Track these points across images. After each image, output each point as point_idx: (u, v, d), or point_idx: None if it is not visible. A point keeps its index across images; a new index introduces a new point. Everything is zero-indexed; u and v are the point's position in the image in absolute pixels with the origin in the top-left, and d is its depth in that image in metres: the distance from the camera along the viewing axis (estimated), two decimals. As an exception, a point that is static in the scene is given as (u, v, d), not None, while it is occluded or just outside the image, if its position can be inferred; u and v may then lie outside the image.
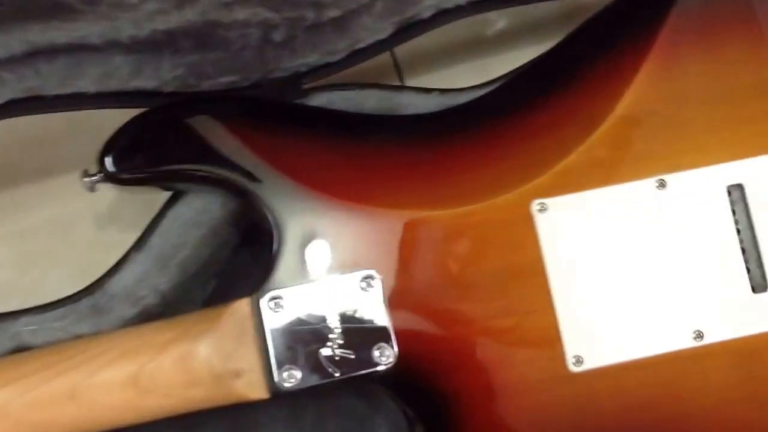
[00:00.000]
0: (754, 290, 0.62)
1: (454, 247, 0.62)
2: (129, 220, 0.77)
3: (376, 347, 0.61)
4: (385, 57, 0.83)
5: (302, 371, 0.60)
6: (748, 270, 0.62)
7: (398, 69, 0.84)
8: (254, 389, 0.61)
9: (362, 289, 0.61)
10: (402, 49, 0.83)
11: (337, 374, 0.61)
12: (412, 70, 0.85)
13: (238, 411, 0.69)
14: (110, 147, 0.66)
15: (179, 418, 0.65)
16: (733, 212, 0.63)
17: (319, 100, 0.73)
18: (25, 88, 0.68)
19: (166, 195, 0.70)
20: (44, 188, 0.82)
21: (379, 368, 0.60)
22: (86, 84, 0.69)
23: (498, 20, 0.82)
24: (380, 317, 0.61)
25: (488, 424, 0.62)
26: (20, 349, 0.66)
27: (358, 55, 0.73)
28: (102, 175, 0.66)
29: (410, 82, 0.84)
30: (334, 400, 0.73)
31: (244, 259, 0.73)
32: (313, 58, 0.72)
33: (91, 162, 0.67)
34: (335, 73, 0.74)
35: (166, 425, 0.64)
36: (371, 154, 0.65)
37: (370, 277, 0.61)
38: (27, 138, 0.81)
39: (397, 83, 0.84)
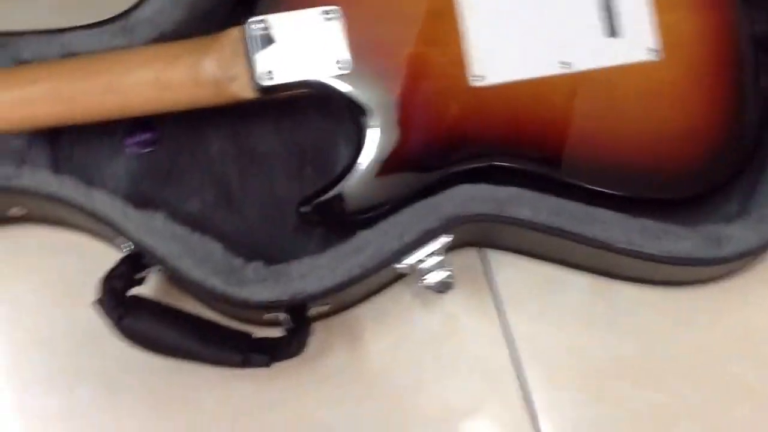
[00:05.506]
0: (609, 35, 0.80)
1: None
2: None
3: (334, 59, 0.76)
4: None
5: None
6: (608, 20, 0.80)
7: None
8: (244, 90, 0.76)
9: (325, 19, 0.77)
10: None
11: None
12: None
13: (236, 121, 0.85)
14: None
15: (192, 130, 0.81)
16: (596, -22, 0.80)
17: None
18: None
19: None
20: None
21: (339, 72, 0.76)
22: None
23: None
24: (339, 39, 0.77)
25: (408, 125, 0.77)
26: (69, 55, 0.79)
27: None
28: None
29: None
30: (304, 118, 0.86)
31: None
32: None
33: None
34: None
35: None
36: None
37: (332, 11, 0.77)
38: None
39: None
